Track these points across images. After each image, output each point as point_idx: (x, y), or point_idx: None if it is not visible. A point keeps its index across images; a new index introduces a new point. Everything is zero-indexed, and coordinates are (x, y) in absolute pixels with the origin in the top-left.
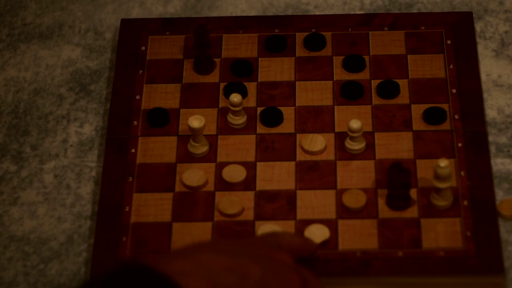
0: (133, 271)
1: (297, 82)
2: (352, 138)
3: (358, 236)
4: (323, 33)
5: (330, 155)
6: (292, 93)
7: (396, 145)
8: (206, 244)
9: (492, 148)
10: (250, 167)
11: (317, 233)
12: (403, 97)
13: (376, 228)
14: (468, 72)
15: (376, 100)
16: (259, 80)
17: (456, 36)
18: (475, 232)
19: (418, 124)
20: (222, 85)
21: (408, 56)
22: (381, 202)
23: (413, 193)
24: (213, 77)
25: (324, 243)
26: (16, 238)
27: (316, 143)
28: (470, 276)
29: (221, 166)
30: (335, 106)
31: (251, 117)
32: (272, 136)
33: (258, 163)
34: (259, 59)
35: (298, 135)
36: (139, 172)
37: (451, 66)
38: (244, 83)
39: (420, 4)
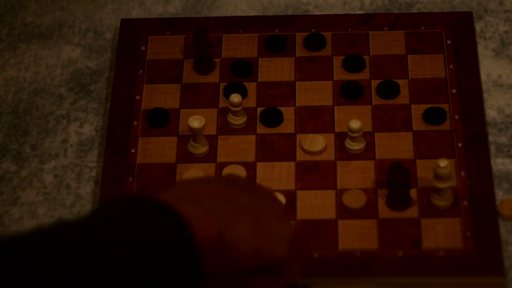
0: (131, 200)
1: (297, 82)
2: (352, 138)
3: (358, 236)
4: (323, 33)
5: (330, 155)
6: (292, 93)
7: (396, 145)
8: (195, 179)
9: (492, 148)
10: (250, 167)
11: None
12: (403, 97)
13: (376, 228)
14: (468, 72)
15: (376, 100)
16: (259, 80)
17: (456, 36)
18: (475, 232)
19: (418, 124)
20: (222, 85)
21: (408, 56)
22: (381, 202)
23: (413, 193)
24: (213, 77)
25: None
26: None
27: (316, 143)
28: (470, 276)
29: (221, 166)
30: (335, 106)
31: (251, 117)
32: (272, 136)
33: (258, 163)
34: (259, 59)
35: (298, 135)
36: (139, 172)
37: (451, 66)
38: (244, 83)
39: (420, 4)
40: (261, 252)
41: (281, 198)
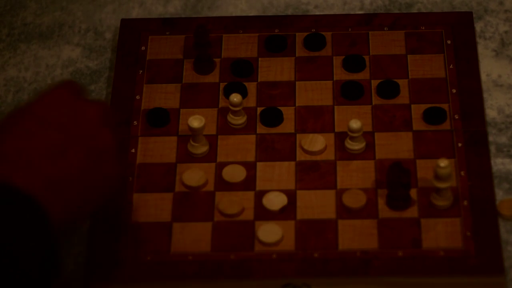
0: None
1: (297, 82)
2: (352, 138)
3: (358, 236)
4: (323, 33)
5: (330, 155)
6: (292, 93)
7: (396, 145)
8: (28, 143)
9: (492, 148)
10: (250, 167)
11: (275, 201)
12: (403, 97)
13: (376, 228)
14: (468, 72)
15: (376, 100)
16: (259, 80)
17: (456, 36)
18: (475, 232)
19: (418, 124)
20: (222, 85)
21: (408, 56)
22: (381, 202)
23: (413, 193)
24: (213, 77)
25: (283, 210)
26: None
27: (316, 143)
28: (470, 276)
29: (221, 166)
30: (335, 106)
31: (251, 117)
32: (272, 136)
33: (258, 163)
34: (259, 59)
35: (298, 135)
36: (139, 172)
37: (451, 66)
38: (244, 83)
39: (420, 4)
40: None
41: (283, 198)
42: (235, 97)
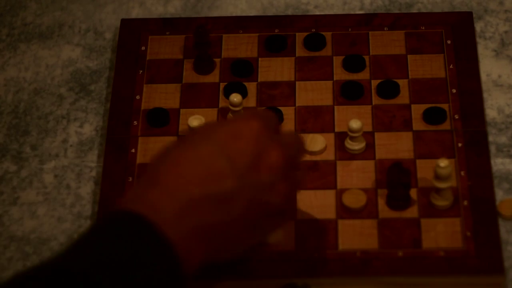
0: (124, 231)
1: (297, 82)
2: (352, 138)
3: (358, 236)
4: (323, 33)
5: (330, 155)
6: (292, 93)
7: (396, 145)
8: (193, 170)
9: (492, 148)
10: None
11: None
12: (403, 97)
13: (376, 228)
14: (468, 72)
15: (376, 100)
16: (259, 80)
17: (456, 36)
18: (475, 232)
19: (418, 124)
20: (222, 85)
21: (408, 56)
22: (381, 202)
23: (413, 193)
24: (213, 77)
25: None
26: (16, 238)
27: (316, 143)
28: (470, 276)
29: None
30: (335, 106)
31: None
32: None
33: None
34: (259, 59)
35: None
36: (139, 172)
37: (451, 66)
38: (244, 83)
39: (420, 4)
40: (244, 251)
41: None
42: (235, 97)
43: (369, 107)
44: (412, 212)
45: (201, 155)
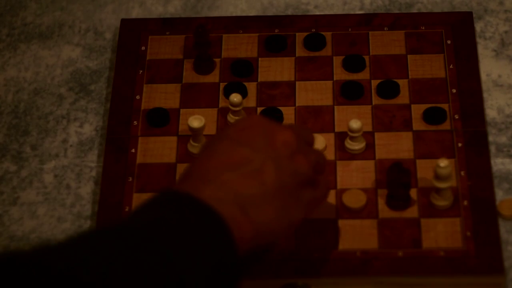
0: (175, 200)
1: (297, 82)
2: (352, 138)
3: (358, 236)
4: (323, 33)
5: (330, 155)
6: (292, 93)
7: (396, 145)
8: (218, 161)
9: (492, 148)
10: None
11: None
12: (403, 97)
13: (376, 228)
14: (468, 72)
15: (376, 100)
16: (259, 80)
17: (456, 36)
18: (475, 232)
19: (418, 124)
20: (222, 85)
21: (408, 56)
22: (381, 202)
23: (413, 193)
24: (213, 77)
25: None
26: (16, 238)
27: (316, 143)
28: (470, 276)
29: None
30: (335, 106)
31: None
32: None
33: None
34: (259, 59)
35: None
36: (139, 172)
37: (451, 66)
38: (244, 83)
39: (420, 4)
40: (289, 225)
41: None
42: (235, 97)
43: (369, 107)
44: (412, 212)
45: (219, 149)
